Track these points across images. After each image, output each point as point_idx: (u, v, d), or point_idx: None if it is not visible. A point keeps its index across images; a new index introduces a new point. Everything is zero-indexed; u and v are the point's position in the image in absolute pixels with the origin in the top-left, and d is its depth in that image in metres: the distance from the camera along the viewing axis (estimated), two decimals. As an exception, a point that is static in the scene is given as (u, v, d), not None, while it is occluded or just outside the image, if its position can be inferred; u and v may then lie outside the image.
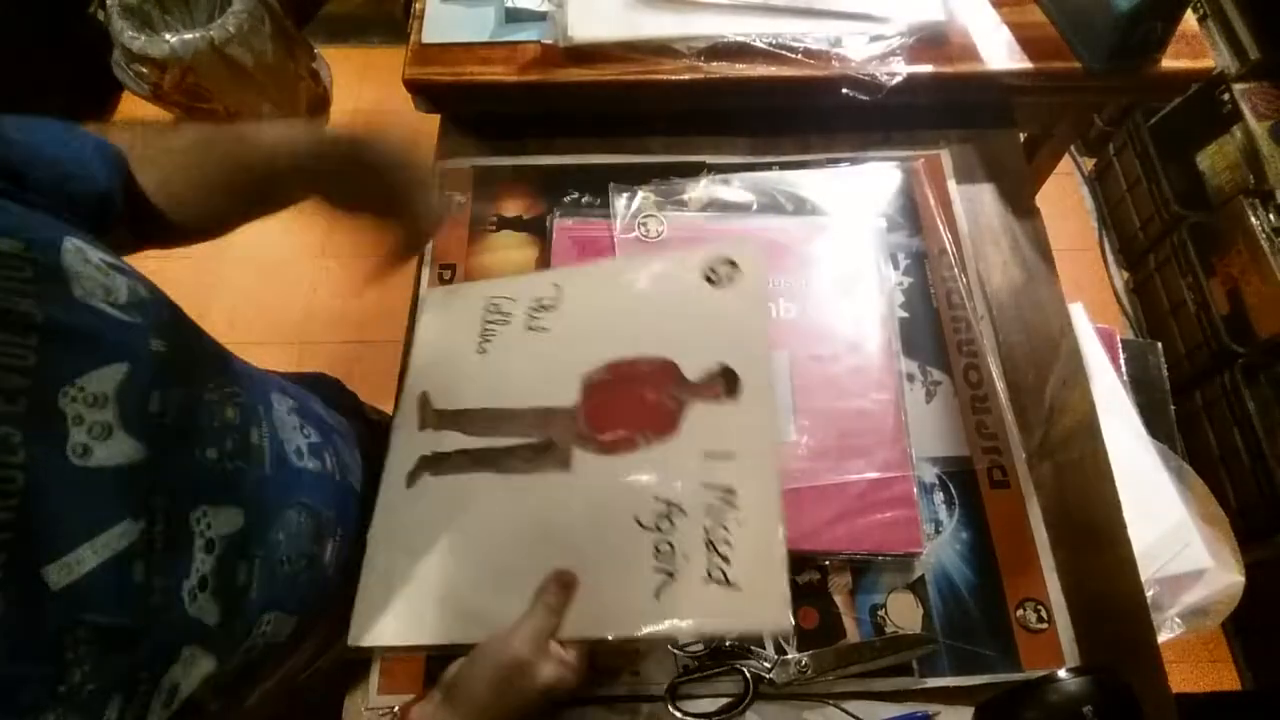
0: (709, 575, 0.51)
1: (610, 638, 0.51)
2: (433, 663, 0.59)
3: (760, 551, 0.51)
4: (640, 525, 0.53)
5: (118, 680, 0.37)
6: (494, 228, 0.78)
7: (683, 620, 0.50)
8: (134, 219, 0.51)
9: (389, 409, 0.68)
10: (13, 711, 0.33)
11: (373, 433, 0.69)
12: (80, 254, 0.40)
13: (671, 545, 0.52)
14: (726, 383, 0.58)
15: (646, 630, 0.50)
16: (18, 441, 0.34)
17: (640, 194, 0.77)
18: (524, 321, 0.66)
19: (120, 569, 0.38)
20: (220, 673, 0.45)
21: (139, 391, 0.41)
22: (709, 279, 0.64)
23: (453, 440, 0.61)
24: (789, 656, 0.58)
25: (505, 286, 0.69)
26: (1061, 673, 0.55)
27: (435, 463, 0.61)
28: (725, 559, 0.51)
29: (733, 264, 0.64)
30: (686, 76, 0.77)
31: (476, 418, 0.62)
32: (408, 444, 0.63)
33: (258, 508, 0.49)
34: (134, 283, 0.43)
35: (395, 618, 0.56)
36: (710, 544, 0.52)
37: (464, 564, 0.56)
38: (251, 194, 0.56)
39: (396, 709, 0.51)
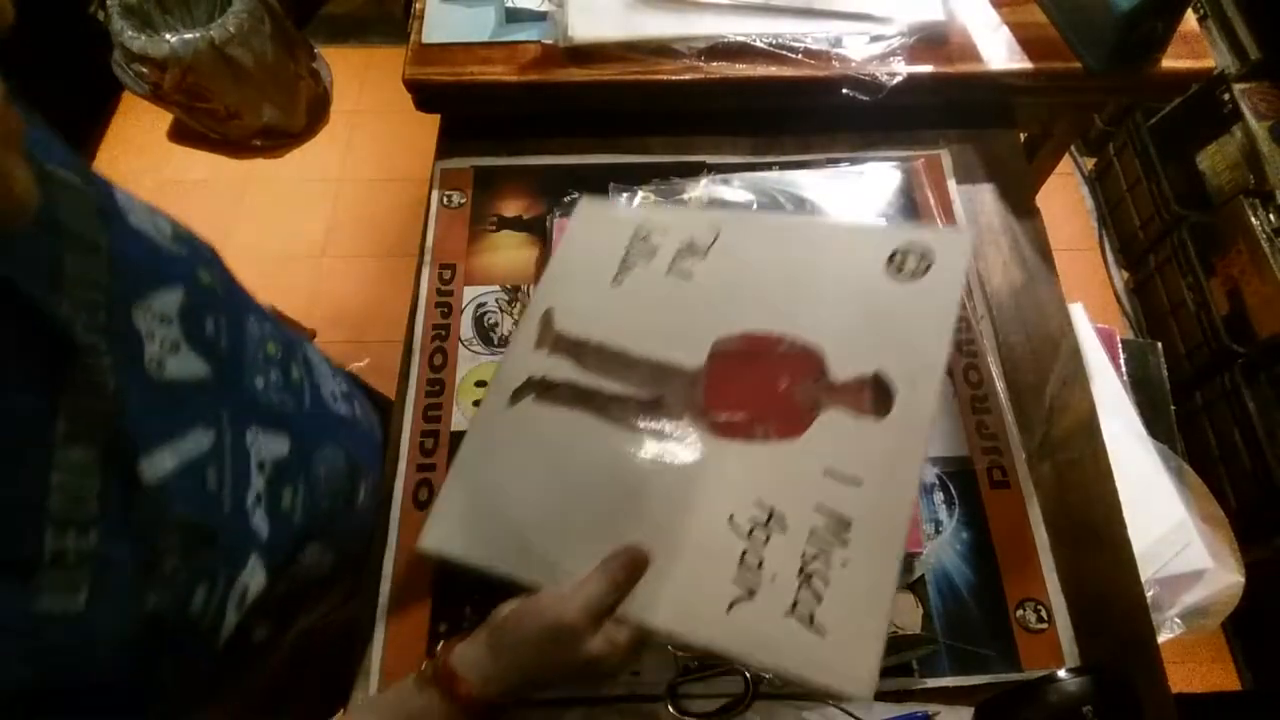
0: (793, 608, 0.44)
1: (668, 632, 0.46)
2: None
3: (859, 602, 0.44)
4: (732, 526, 0.48)
5: (203, 573, 0.41)
6: (494, 228, 0.78)
7: (748, 645, 0.45)
8: None
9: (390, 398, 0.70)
10: (124, 589, 0.36)
11: (380, 418, 0.71)
12: (127, 194, 0.45)
13: (760, 560, 0.46)
14: (876, 395, 0.50)
15: (708, 642, 0.45)
16: (105, 348, 0.37)
17: (640, 194, 0.77)
18: (669, 261, 0.60)
19: (196, 473, 0.42)
20: (269, 594, 0.48)
21: (197, 314, 0.45)
22: (893, 266, 0.54)
23: (564, 369, 0.57)
24: (789, 656, 0.57)
25: (661, 216, 0.64)
26: (1061, 672, 0.55)
27: (541, 388, 0.57)
28: (818, 597, 0.44)
29: (926, 256, 0.54)
30: (686, 76, 0.77)
31: (593, 353, 0.57)
32: (520, 359, 0.59)
33: (300, 438, 0.52)
34: (175, 223, 0.48)
35: (467, 531, 0.53)
36: (805, 574, 0.45)
37: (543, 503, 0.52)
38: None
39: (440, 645, 0.50)
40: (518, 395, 0.57)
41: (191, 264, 0.47)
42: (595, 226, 0.65)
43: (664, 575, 0.47)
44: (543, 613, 0.46)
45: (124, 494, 0.37)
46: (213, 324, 0.46)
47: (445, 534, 0.54)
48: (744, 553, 0.47)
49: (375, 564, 0.63)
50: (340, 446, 0.59)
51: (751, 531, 0.47)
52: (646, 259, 0.61)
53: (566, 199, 0.79)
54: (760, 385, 0.53)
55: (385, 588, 0.62)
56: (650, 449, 0.52)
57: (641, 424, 0.53)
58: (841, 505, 0.47)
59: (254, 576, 0.46)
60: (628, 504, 0.51)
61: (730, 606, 0.45)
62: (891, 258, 0.55)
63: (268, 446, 0.49)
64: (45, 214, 0.37)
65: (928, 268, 0.53)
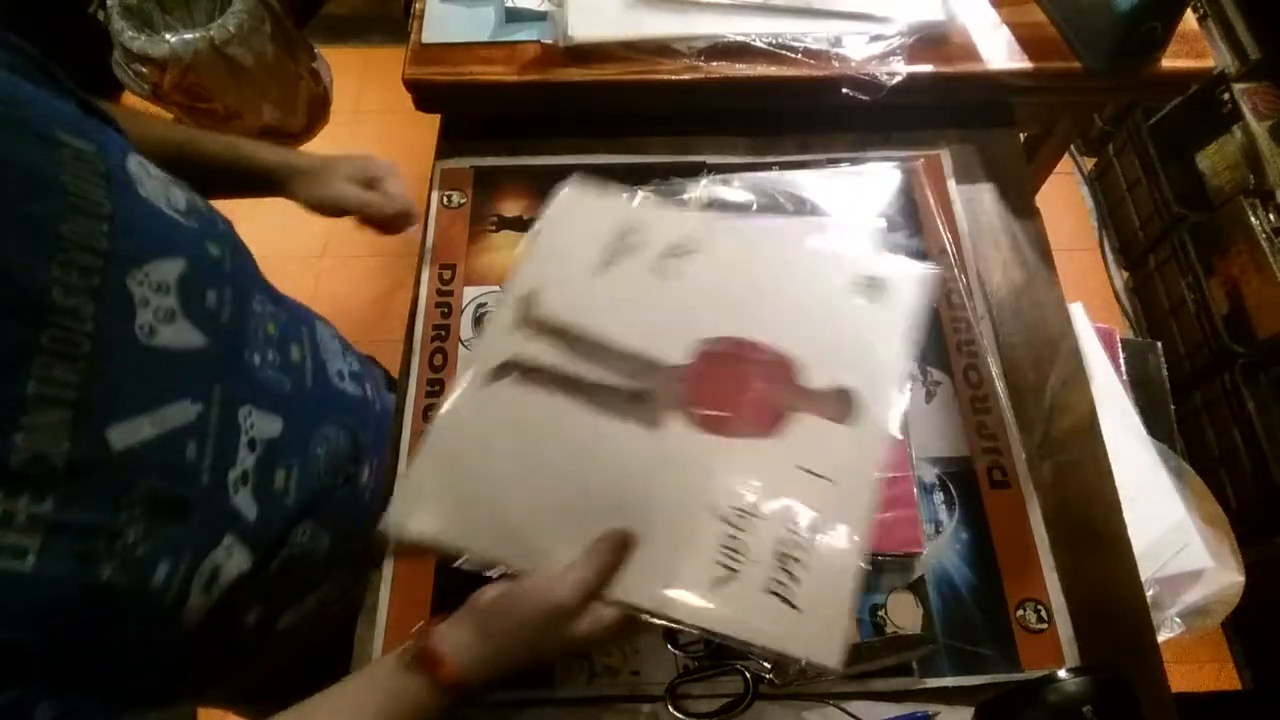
0: (770, 588, 0.48)
1: (653, 610, 0.48)
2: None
3: (829, 584, 0.49)
4: (714, 513, 0.51)
5: (166, 548, 0.40)
6: (494, 228, 0.78)
7: (730, 621, 0.48)
8: None
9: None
10: (76, 556, 0.36)
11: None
12: (143, 167, 0.46)
13: (740, 544, 0.50)
14: (841, 405, 0.54)
15: (690, 619, 0.48)
16: (89, 313, 0.38)
17: (640, 194, 0.77)
18: (654, 260, 0.61)
19: (175, 444, 0.42)
20: (256, 576, 0.48)
21: (197, 286, 0.45)
22: (858, 286, 0.59)
23: (545, 352, 0.57)
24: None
25: (646, 214, 0.64)
26: (1061, 673, 0.55)
27: (521, 370, 0.57)
28: (795, 578, 0.48)
29: (885, 284, 0.59)
30: (686, 76, 0.77)
31: (578, 340, 0.58)
32: (500, 338, 0.58)
33: (296, 419, 0.52)
34: (191, 196, 0.49)
35: (440, 511, 0.52)
36: (782, 557, 0.49)
37: (525, 486, 0.53)
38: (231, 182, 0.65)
39: (419, 626, 0.49)
40: (499, 373, 0.57)
41: (200, 236, 0.47)
42: (578, 214, 0.65)
43: (649, 558, 0.50)
44: (535, 594, 0.46)
45: (90, 459, 0.37)
46: (215, 296, 0.46)
47: (418, 514, 0.52)
48: (724, 536, 0.50)
49: (376, 560, 0.63)
50: (344, 427, 0.58)
51: (731, 519, 0.51)
52: (630, 254, 0.62)
53: (566, 199, 0.79)
54: (740, 385, 0.56)
55: (385, 585, 0.62)
56: (635, 438, 0.54)
57: (627, 414, 0.55)
58: (813, 498, 0.51)
59: (230, 557, 0.45)
60: (612, 490, 0.52)
61: (713, 586, 0.49)
62: (859, 280, 0.59)
63: (261, 425, 0.49)
64: (49, 179, 0.39)
65: (887, 295, 0.59)
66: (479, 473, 0.54)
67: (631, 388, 0.56)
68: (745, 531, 0.50)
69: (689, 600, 0.48)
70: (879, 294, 0.59)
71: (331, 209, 0.68)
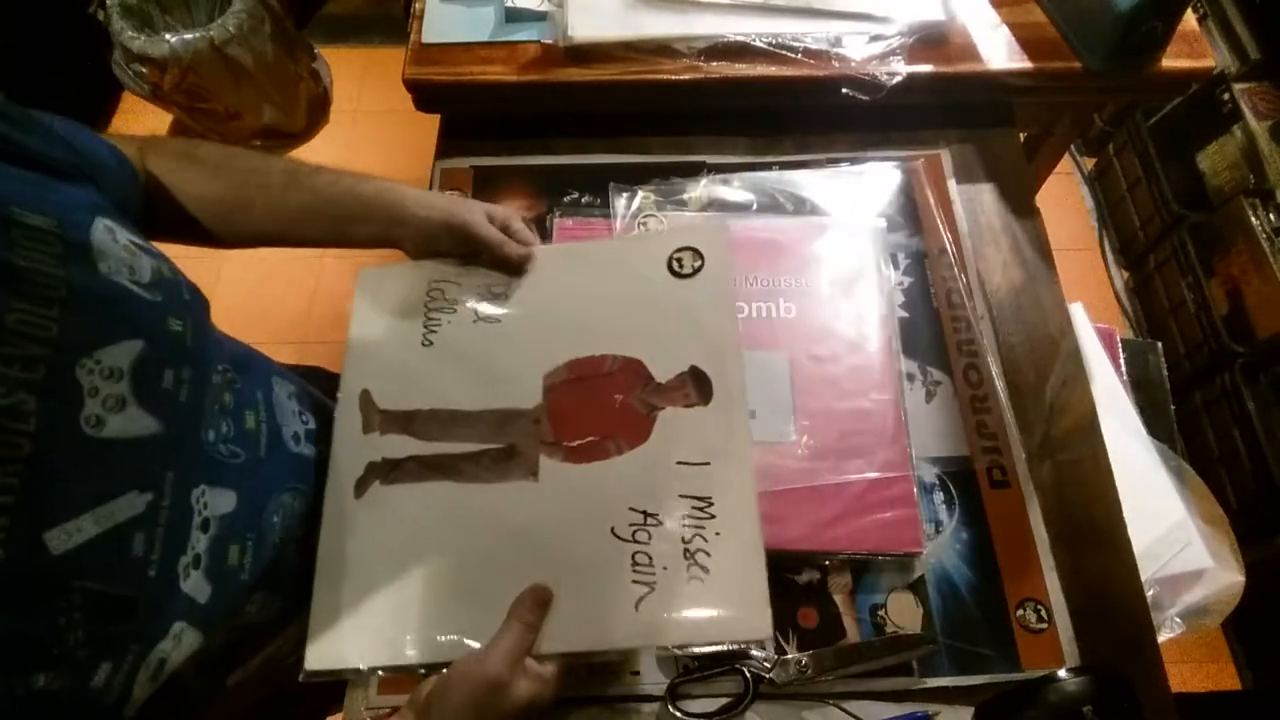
0: (689, 586, 0.50)
1: (590, 651, 0.51)
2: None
3: (738, 562, 0.51)
4: (616, 537, 0.52)
5: (108, 648, 0.38)
6: (494, 228, 0.78)
7: (663, 632, 0.49)
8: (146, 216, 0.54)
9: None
10: (8, 671, 0.34)
11: None
12: (110, 233, 0.43)
13: (650, 557, 0.51)
14: (697, 386, 0.56)
15: (626, 643, 0.50)
16: (31, 409, 0.36)
17: (640, 194, 0.77)
18: (472, 311, 0.61)
19: (121, 540, 0.39)
20: (205, 648, 0.46)
21: (154, 368, 0.42)
22: (673, 270, 0.60)
23: (403, 445, 0.57)
24: (789, 656, 0.58)
25: (448, 270, 0.63)
26: (1061, 672, 0.55)
27: (385, 470, 0.56)
28: (705, 569, 0.50)
29: (698, 253, 0.60)
30: (686, 76, 0.77)
31: (428, 420, 0.58)
32: (352, 448, 0.57)
33: (250, 492, 0.50)
34: (159, 263, 0.46)
35: (354, 641, 0.52)
36: (688, 553, 0.51)
37: (428, 580, 0.53)
38: (329, 231, 0.62)
39: None
40: (363, 484, 0.56)
41: (163, 311, 0.44)
42: (382, 293, 0.63)
43: (572, 603, 0.51)
44: (467, 677, 0.47)
45: (26, 568, 0.35)
46: (172, 376, 0.44)
47: (335, 650, 0.52)
48: (633, 554, 0.51)
49: None
50: (298, 494, 0.55)
51: (634, 535, 0.52)
52: (448, 312, 0.61)
53: (566, 199, 0.79)
54: (599, 406, 0.57)
55: None
56: (519, 493, 0.55)
57: (503, 473, 0.55)
58: (699, 486, 0.53)
59: (179, 645, 0.44)
60: (514, 554, 0.53)
61: (638, 605, 0.50)
62: (669, 263, 0.60)
63: (215, 503, 0.47)
64: (1, 266, 0.36)
65: (700, 263, 0.60)
66: (380, 589, 0.53)
67: (497, 446, 0.56)
68: (650, 542, 0.52)
69: (619, 628, 0.50)
70: (694, 263, 0.60)
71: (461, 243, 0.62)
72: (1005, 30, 0.80)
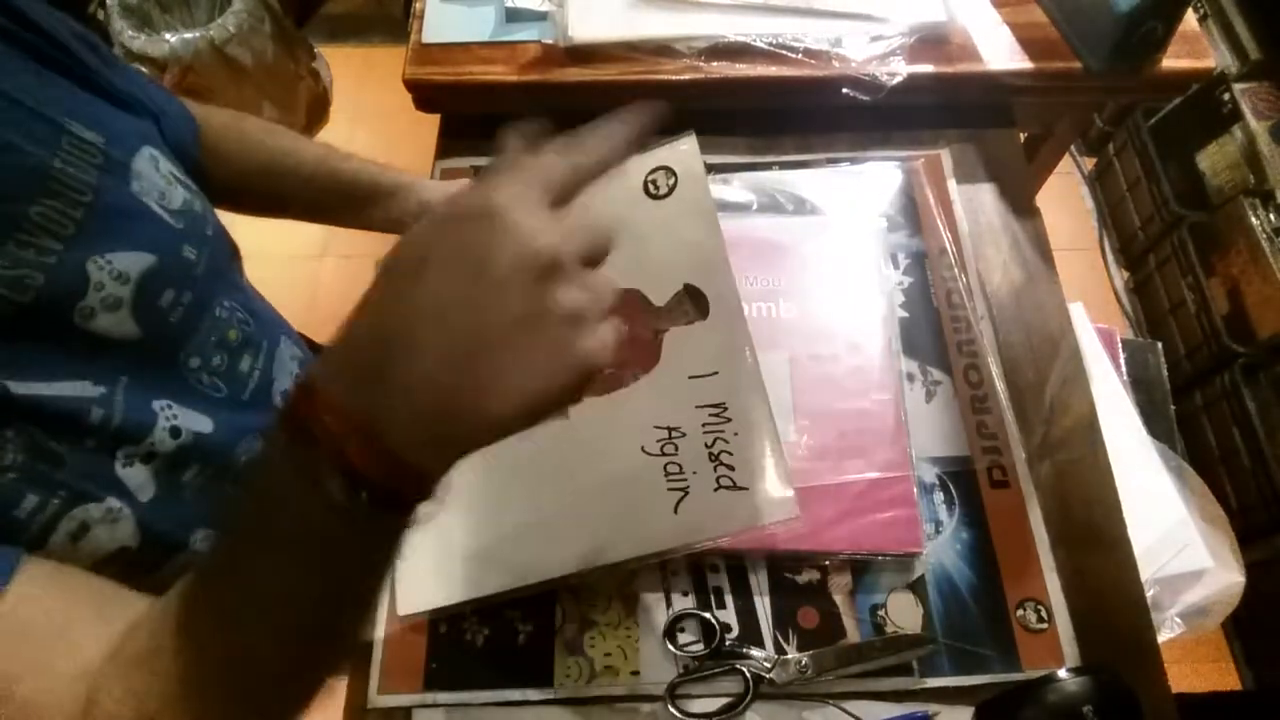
0: (718, 484, 0.55)
1: (643, 556, 0.55)
2: (432, 664, 0.60)
3: (758, 455, 0.55)
4: (647, 454, 0.57)
5: (37, 482, 0.41)
6: (494, 228, 0.78)
7: (702, 528, 0.55)
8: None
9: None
10: None
11: None
12: (153, 161, 0.48)
13: (680, 465, 0.56)
14: (694, 303, 0.59)
15: (673, 543, 0.55)
16: (34, 284, 0.40)
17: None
18: None
19: (73, 413, 0.43)
20: (150, 573, 0.48)
21: (158, 284, 0.47)
22: (649, 193, 0.61)
23: None
24: (789, 656, 0.58)
25: None
26: (1061, 673, 0.55)
27: None
28: (730, 467, 0.55)
29: (670, 171, 0.61)
30: (686, 76, 0.77)
31: None
32: None
33: (225, 426, 0.52)
34: (192, 198, 0.51)
35: (434, 582, 0.59)
36: (712, 456, 0.56)
37: (489, 521, 0.59)
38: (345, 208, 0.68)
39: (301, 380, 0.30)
40: None
41: (180, 237, 0.49)
42: None
43: (618, 517, 0.56)
44: (449, 219, 0.30)
45: None
46: (171, 297, 0.48)
47: (418, 595, 0.59)
48: (665, 466, 0.57)
49: None
50: None
51: (663, 449, 0.57)
52: None
53: (566, 199, 0.79)
54: None
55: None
56: (554, 436, 0.59)
57: None
58: (712, 394, 0.57)
59: (112, 524, 0.45)
60: (558, 486, 0.59)
61: (676, 508, 0.55)
62: (646, 188, 0.61)
63: (186, 419, 0.49)
64: (36, 164, 0.41)
65: (674, 183, 0.60)
66: (446, 537, 0.59)
67: None
68: (677, 453, 0.57)
69: (663, 531, 0.55)
70: (668, 181, 0.61)
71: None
72: (1006, 30, 0.80)
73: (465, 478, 0.59)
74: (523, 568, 0.56)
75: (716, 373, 0.57)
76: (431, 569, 0.59)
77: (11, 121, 0.41)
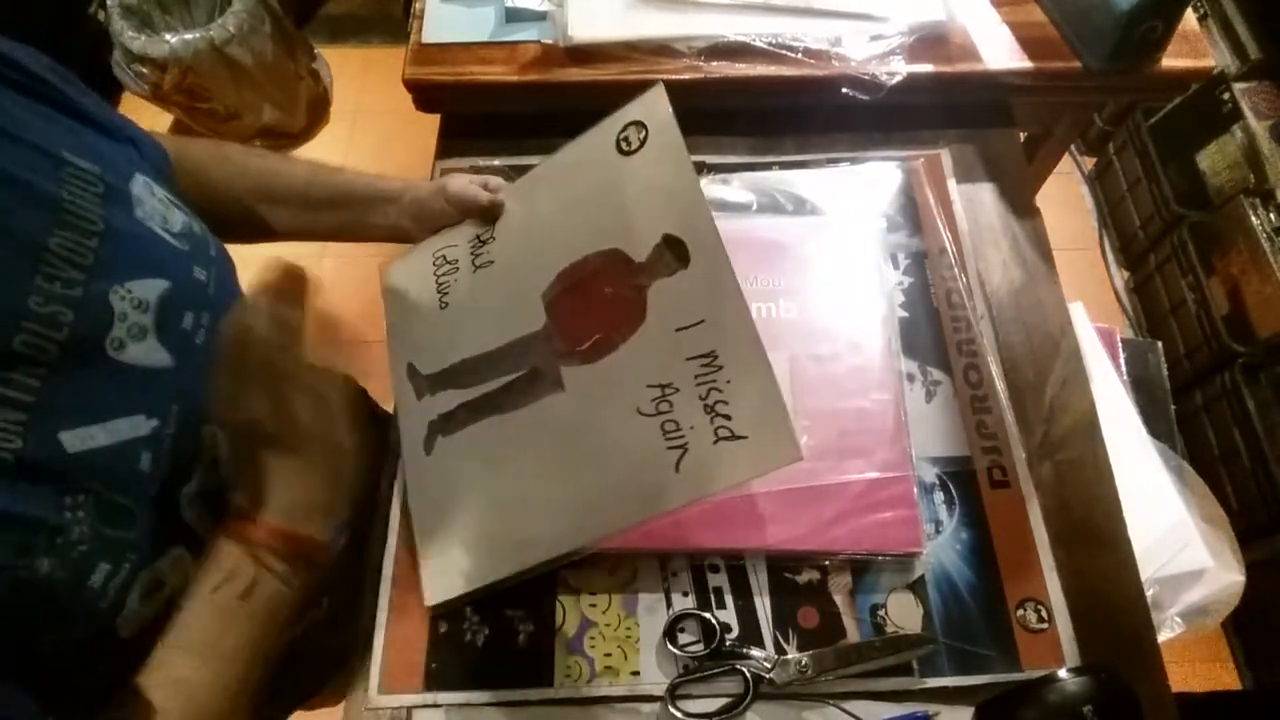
0: (717, 436, 0.53)
1: (652, 515, 0.54)
2: (432, 664, 0.60)
3: (756, 399, 0.53)
4: (642, 415, 0.55)
5: (107, 550, 0.41)
6: (494, 228, 0.78)
7: (708, 481, 0.53)
8: None
9: (390, 407, 0.69)
10: (14, 550, 0.37)
11: (379, 431, 0.70)
12: (148, 187, 0.49)
13: (676, 422, 0.54)
14: (674, 252, 0.57)
15: (679, 501, 0.53)
16: (66, 320, 0.40)
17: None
18: (469, 264, 0.66)
19: (129, 454, 0.43)
20: None
21: (176, 308, 0.47)
22: (621, 150, 0.60)
23: (451, 399, 0.63)
24: (789, 656, 0.58)
25: (444, 236, 0.69)
26: (1061, 673, 0.55)
27: (442, 424, 0.63)
28: (727, 416, 0.53)
29: (640, 124, 0.60)
30: (686, 76, 0.77)
31: (463, 370, 0.63)
32: (414, 416, 0.65)
33: None
34: (189, 219, 0.51)
35: (458, 570, 0.60)
36: (708, 408, 0.53)
37: (500, 503, 0.60)
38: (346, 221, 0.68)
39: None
40: (429, 443, 0.64)
41: (189, 259, 0.49)
42: (402, 278, 0.71)
43: (622, 482, 0.56)
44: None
45: (41, 458, 0.38)
46: (192, 319, 0.48)
47: (445, 584, 0.60)
48: (662, 424, 0.55)
49: (375, 564, 0.63)
50: None
51: (658, 407, 0.55)
52: (453, 273, 0.67)
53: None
54: (594, 304, 0.60)
55: (385, 588, 0.62)
56: (554, 406, 0.59)
57: (536, 393, 0.60)
58: (701, 345, 0.55)
59: (178, 571, 0.46)
60: (562, 457, 0.59)
61: (677, 466, 0.54)
62: (618, 145, 0.61)
63: (225, 445, 0.49)
64: (48, 195, 0.41)
65: (645, 135, 0.60)
66: (464, 523, 0.61)
67: (523, 372, 0.61)
68: (673, 409, 0.55)
69: (668, 490, 0.54)
70: (639, 135, 0.60)
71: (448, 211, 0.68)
72: (1005, 30, 0.80)
73: (470, 465, 0.60)
74: (538, 544, 0.56)
75: (703, 320, 0.55)
76: (451, 559, 0.60)
77: (13, 156, 0.41)
